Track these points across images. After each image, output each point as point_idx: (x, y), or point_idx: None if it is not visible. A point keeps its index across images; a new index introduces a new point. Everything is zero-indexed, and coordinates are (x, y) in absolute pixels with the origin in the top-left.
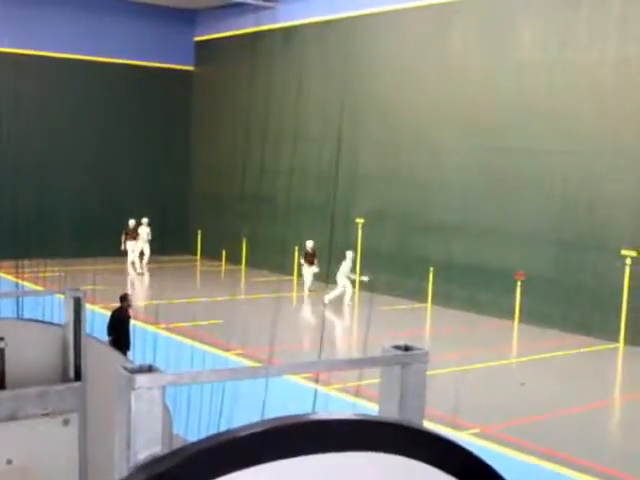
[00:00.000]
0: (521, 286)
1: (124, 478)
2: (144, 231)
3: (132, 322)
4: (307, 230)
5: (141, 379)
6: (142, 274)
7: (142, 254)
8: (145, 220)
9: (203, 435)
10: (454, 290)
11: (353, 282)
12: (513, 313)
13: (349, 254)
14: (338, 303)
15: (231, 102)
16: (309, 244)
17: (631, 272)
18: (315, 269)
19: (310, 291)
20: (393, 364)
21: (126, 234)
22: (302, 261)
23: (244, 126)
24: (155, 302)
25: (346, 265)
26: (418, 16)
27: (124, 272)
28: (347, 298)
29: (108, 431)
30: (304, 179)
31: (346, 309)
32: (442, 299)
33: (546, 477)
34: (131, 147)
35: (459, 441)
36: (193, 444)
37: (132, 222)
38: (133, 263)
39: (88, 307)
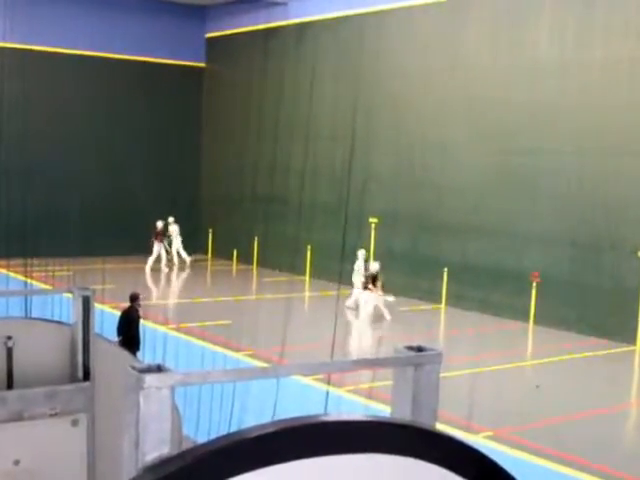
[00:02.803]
0: (536, 288)
1: (132, 479)
2: (174, 229)
3: (142, 322)
4: (319, 230)
5: (150, 379)
6: (168, 269)
7: (168, 252)
8: (171, 219)
9: (213, 437)
10: (468, 291)
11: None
12: (528, 315)
13: (360, 253)
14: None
15: (243, 100)
16: (374, 267)
17: None
18: (380, 294)
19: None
20: (406, 365)
21: (156, 235)
22: (370, 286)
23: (256, 124)
24: (165, 302)
25: (359, 265)
26: (431, 13)
27: (133, 271)
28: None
29: (117, 431)
30: (316, 178)
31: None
32: (456, 300)
33: None
34: (141, 145)
35: (472, 444)
36: (202, 445)
37: (160, 224)
38: (178, 257)
39: (97, 306)
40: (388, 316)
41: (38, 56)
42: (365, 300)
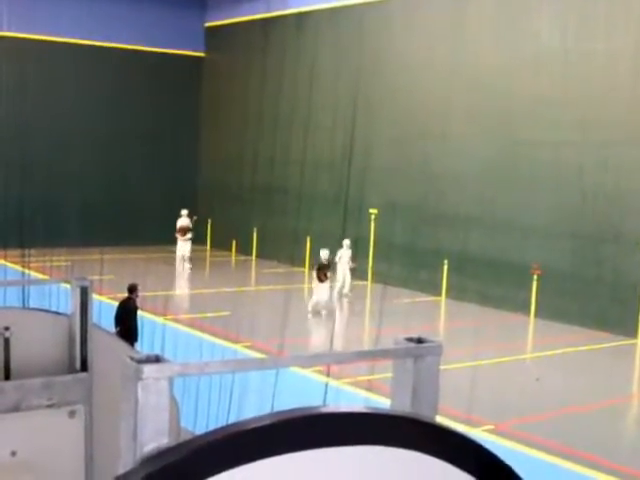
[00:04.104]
0: (537, 280)
1: (129, 470)
2: (185, 222)
3: (140, 313)
4: (319, 221)
5: (148, 369)
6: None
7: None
8: (184, 211)
9: (211, 429)
10: (468, 283)
11: (352, 271)
12: (529, 307)
13: (345, 243)
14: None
15: (242, 90)
16: (324, 254)
17: None
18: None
19: (317, 311)
20: (405, 357)
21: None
22: (314, 275)
23: (255, 114)
24: (164, 293)
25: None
26: (433, 3)
27: (132, 262)
28: (346, 289)
29: (114, 423)
30: (316, 169)
31: (348, 300)
32: (456, 292)
33: (561, 475)
34: (139, 135)
35: (473, 437)
36: (200, 436)
37: (186, 220)
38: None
39: (95, 297)
40: (334, 309)
41: (35, 45)
42: (317, 292)
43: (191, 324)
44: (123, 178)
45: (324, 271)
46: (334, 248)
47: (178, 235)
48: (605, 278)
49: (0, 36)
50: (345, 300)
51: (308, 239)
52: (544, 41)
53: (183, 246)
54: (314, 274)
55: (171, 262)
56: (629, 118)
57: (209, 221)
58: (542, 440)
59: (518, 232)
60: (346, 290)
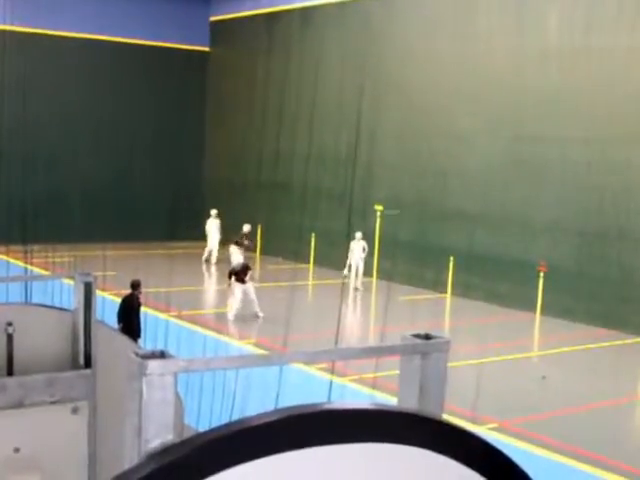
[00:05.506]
0: (543, 277)
1: (134, 466)
2: (214, 224)
3: (142, 309)
4: (324, 217)
5: (153, 365)
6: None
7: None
8: (214, 212)
9: (214, 426)
10: (474, 281)
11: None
12: (535, 305)
13: (358, 235)
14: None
15: (247, 84)
16: (236, 262)
17: None
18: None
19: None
20: (413, 353)
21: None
22: (232, 279)
23: (260, 109)
24: (166, 289)
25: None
26: None
27: (134, 258)
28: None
29: (118, 419)
30: (321, 165)
31: (358, 296)
32: (462, 290)
33: (568, 474)
34: (144, 130)
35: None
36: (206, 433)
37: (247, 227)
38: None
39: (98, 293)
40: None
41: (40, 39)
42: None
43: (194, 320)
44: (127, 173)
45: (239, 276)
46: (339, 244)
47: (235, 244)
48: (611, 276)
49: (5, 30)
50: (357, 294)
51: (313, 235)
52: (553, 36)
53: (239, 256)
54: (231, 280)
55: (174, 259)
56: (636, 115)
57: None
58: (547, 438)
59: (524, 229)
60: (358, 284)
